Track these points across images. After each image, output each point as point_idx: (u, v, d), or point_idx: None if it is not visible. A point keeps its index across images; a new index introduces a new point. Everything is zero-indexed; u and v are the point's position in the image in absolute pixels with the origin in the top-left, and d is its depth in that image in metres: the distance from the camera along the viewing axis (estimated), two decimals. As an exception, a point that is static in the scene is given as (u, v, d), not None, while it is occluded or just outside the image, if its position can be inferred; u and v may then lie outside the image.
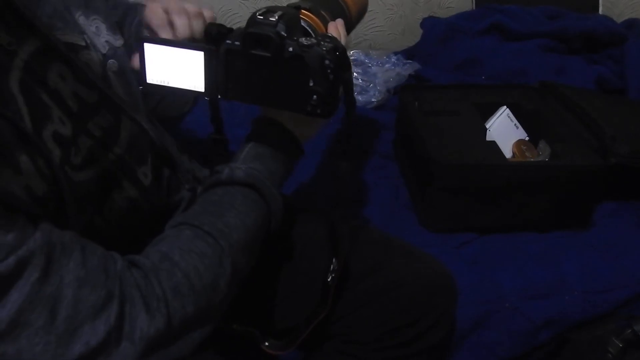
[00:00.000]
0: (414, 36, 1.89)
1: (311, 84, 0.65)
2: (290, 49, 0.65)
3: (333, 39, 0.67)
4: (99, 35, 0.75)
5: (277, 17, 0.66)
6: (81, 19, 0.73)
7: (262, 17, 0.66)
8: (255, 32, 0.65)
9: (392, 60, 1.75)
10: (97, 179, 0.69)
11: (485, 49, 1.70)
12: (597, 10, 1.91)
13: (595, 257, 1.15)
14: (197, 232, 0.65)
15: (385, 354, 0.84)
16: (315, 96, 0.66)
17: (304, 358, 0.94)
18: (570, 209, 1.21)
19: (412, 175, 1.30)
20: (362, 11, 1.00)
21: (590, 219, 1.23)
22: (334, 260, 0.80)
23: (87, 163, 0.68)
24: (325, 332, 0.87)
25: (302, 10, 0.77)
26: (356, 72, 1.67)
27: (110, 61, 0.74)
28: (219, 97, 0.72)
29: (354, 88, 1.60)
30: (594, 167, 1.17)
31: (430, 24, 1.81)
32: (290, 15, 0.68)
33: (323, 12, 0.80)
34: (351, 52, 1.74)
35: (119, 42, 0.77)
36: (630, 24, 1.84)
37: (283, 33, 0.65)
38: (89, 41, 0.72)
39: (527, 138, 1.30)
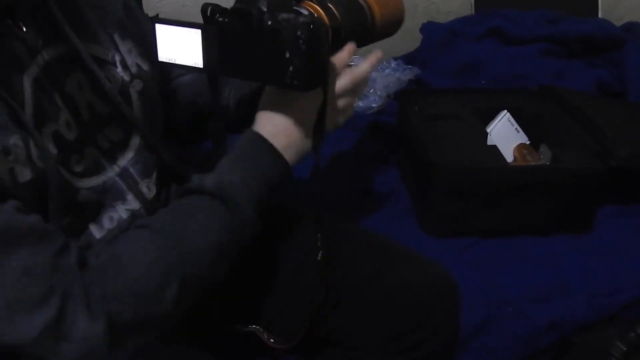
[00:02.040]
0: (414, 41, 1.89)
1: (287, 56, 0.66)
2: (270, 22, 0.66)
3: (313, 17, 0.69)
4: (131, 55, 0.77)
5: None
6: (117, 37, 0.76)
7: None
8: (238, 8, 0.68)
9: (392, 65, 1.75)
10: (100, 188, 0.70)
11: (485, 53, 1.70)
12: (597, 14, 1.91)
13: (598, 260, 1.15)
14: (153, 238, 0.63)
15: (387, 358, 0.84)
16: (291, 67, 0.66)
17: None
18: (572, 212, 1.20)
19: (413, 180, 1.30)
20: (392, 23, 0.96)
21: (592, 222, 1.23)
22: (318, 235, 0.79)
23: (90, 173, 0.69)
24: (328, 338, 0.86)
25: (307, 1, 0.78)
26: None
27: (136, 81, 0.76)
28: (217, 73, 0.74)
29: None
30: (595, 170, 1.17)
31: (429, 29, 1.82)
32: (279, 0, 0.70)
33: (332, 6, 0.79)
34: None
35: (146, 66, 0.79)
36: (630, 27, 1.84)
37: (264, 8, 0.67)
38: (117, 58, 0.75)
39: (528, 142, 1.30)
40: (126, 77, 0.75)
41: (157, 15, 1.32)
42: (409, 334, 0.83)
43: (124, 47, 0.76)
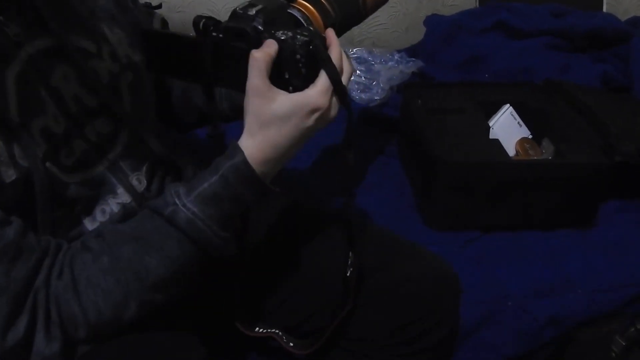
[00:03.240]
0: (418, 34, 1.88)
1: (286, 77, 0.66)
2: None
3: (311, 33, 0.67)
4: (121, 46, 0.76)
5: (255, 12, 0.67)
6: (105, 28, 0.75)
7: (241, 11, 0.68)
8: (232, 26, 0.67)
9: (396, 58, 1.74)
10: (90, 182, 0.70)
11: (489, 46, 1.70)
12: (602, 7, 1.90)
13: (600, 255, 1.15)
14: (113, 264, 0.64)
15: (390, 351, 0.84)
16: (290, 87, 0.66)
17: (311, 356, 0.94)
18: (574, 207, 1.20)
19: (415, 174, 1.29)
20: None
21: (594, 218, 1.22)
22: (350, 254, 0.79)
23: (79, 166, 0.69)
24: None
25: (299, 0, 0.78)
26: (359, 70, 1.67)
27: (127, 72, 0.76)
28: (211, 85, 0.74)
29: (358, 86, 1.61)
30: (598, 165, 1.17)
31: (433, 22, 1.81)
32: (272, 8, 0.69)
33: (325, 2, 0.79)
34: (354, 50, 1.74)
35: (137, 57, 0.78)
36: (635, 21, 1.83)
37: (260, 27, 0.67)
38: (105, 50, 0.74)
39: (530, 136, 1.30)
40: (116, 69, 0.74)
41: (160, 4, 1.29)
42: (412, 326, 0.83)
43: (113, 37, 0.75)
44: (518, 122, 1.30)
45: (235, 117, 0.86)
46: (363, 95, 1.61)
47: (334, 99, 0.68)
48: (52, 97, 0.67)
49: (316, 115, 0.66)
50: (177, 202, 0.65)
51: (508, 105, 1.31)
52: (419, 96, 1.34)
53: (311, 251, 0.89)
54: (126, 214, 0.73)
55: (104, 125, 0.72)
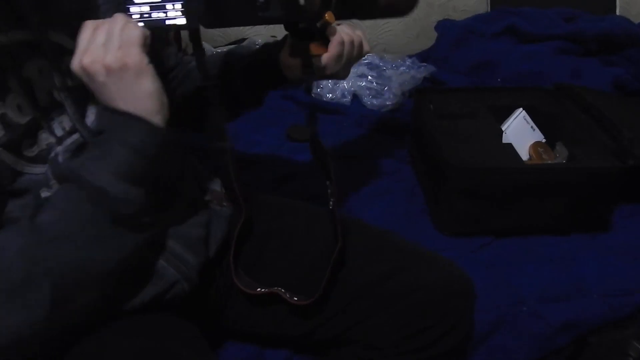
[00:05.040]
0: (429, 39, 1.89)
1: None
2: None
3: None
4: None
5: None
6: None
7: None
8: None
9: (407, 63, 1.75)
10: (46, 174, 0.70)
11: (500, 51, 1.70)
12: (614, 11, 1.89)
13: (614, 259, 1.14)
14: (23, 231, 0.63)
15: (404, 358, 0.84)
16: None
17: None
18: (588, 211, 1.20)
19: (427, 179, 1.29)
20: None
21: (608, 222, 1.22)
22: (327, 183, 0.82)
23: (42, 160, 0.70)
24: (343, 336, 0.87)
25: None
26: (371, 76, 1.68)
27: None
28: (200, 26, 0.74)
29: (369, 92, 1.62)
30: (612, 169, 1.16)
31: (444, 27, 1.81)
32: None
33: None
34: (366, 56, 1.74)
35: None
36: (648, 24, 1.83)
37: None
38: None
39: (544, 140, 1.30)
40: None
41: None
42: (424, 333, 0.83)
43: None
44: (531, 126, 1.30)
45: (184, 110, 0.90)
46: (375, 101, 1.62)
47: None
48: (23, 87, 0.68)
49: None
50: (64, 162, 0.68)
51: (521, 109, 1.31)
52: (431, 101, 1.34)
53: (303, 219, 0.93)
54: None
55: (68, 121, 0.73)
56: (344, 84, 1.65)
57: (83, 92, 0.72)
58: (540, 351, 1.05)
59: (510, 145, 1.22)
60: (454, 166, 1.13)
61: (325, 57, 0.83)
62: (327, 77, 0.89)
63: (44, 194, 0.72)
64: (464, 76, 1.68)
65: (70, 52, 0.71)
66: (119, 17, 0.67)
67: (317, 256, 0.87)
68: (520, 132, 1.30)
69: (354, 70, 1.68)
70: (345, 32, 0.84)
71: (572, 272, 1.12)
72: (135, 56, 0.66)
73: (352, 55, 0.86)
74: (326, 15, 0.81)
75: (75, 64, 0.66)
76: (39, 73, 0.70)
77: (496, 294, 1.06)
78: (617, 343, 1.10)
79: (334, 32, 0.82)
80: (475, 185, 1.15)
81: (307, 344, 0.92)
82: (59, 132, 0.72)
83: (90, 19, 0.72)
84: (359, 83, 1.66)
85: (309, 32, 0.83)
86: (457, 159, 1.14)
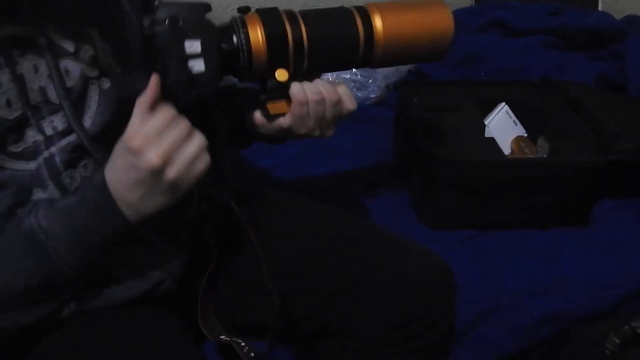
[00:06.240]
0: (414, 32, 1.88)
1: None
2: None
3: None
4: (105, 54, 0.75)
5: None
6: (94, 34, 0.74)
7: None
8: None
9: (392, 56, 1.74)
10: (30, 174, 0.70)
11: (485, 45, 1.69)
12: (597, 6, 1.90)
13: (596, 254, 1.15)
14: None
15: (387, 350, 0.84)
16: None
17: (307, 355, 0.94)
18: (570, 205, 1.20)
19: (412, 172, 1.29)
20: (418, 47, 0.78)
21: (590, 216, 1.23)
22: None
23: (27, 156, 0.70)
24: (327, 329, 0.87)
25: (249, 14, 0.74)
26: (356, 70, 1.67)
27: (104, 79, 0.74)
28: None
29: (354, 84, 1.61)
30: (594, 163, 1.17)
31: (430, 20, 1.80)
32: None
33: (298, 13, 0.74)
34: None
35: (120, 68, 0.77)
36: (631, 20, 1.84)
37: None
38: (88, 53, 0.73)
39: (525, 135, 1.30)
40: (92, 74, 0.74)
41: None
42: (409, 325, 0.84)
43: (100, 45, 0.74)
44: (514, 121, 1.30)
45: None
46: (359, 93, 1.61)
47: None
48: (15, 83, 0.67)
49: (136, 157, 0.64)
50: (33, 211, 0.67)
51: (504, 103, 1.31)
52: (416, 94, 1.34)
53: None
54: None
55: (62, 121, 0.72)
56: (328, 76, 1.64)
57: (81, 94, 0.72)
58: (523, 343, 1.06)
59: (492, 140, 1.22)
60: (438, 159, 1.13)
61: (285, 118, 0.77)
62: (304, 137, 0.80)
63: (38, 195, 0.71)
64: (449, 69, 1.67)
65: (68, 53, 0.71)
66: (198, 139, 0.66)
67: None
68: (502, 126, 1.30)
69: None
70: (313, 90, 0.75)
71: (554, 265, 1.13)
72: (189, 185, 0.67)
73: (325, 116, 0.77)
74: (276, 74, 0.74)
75: (133, 141, 0.64)
76: (34, 70, 0.69)
77: (479, 287, 1.07)
78: (596, 336, 1.11)
79: (296, 91, 0.75)
80: (459, 179, 1.15)
81: (292, 336, 0.91)
82: (48, 132, 0.71)
83: (89, 25, 0.72)
84: (343, 75, 1.65)
85: (267, 90, 0.76)
86: (441, 152, 1.14)
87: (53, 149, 0.72)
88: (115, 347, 0.72)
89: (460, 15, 1.79)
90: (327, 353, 0.89)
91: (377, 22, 0.75)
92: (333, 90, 0.76)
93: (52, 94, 0.70)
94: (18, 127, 0.68)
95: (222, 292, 0.89)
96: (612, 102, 1.44)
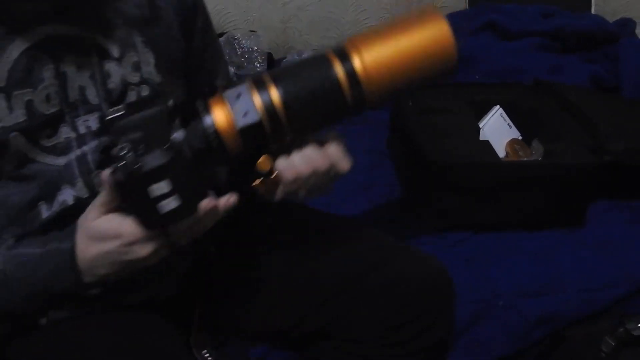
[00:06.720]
0: (408, 35, 1.89)
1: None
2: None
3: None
4: (148, 65, 0.77)
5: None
6: (139, 43, 0.76)
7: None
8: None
9: (387, 59, 1.74)
10: (59, 169, 0.71)
11: (479, 47, 1.70)
12: (590, 9, 1.91)
13: (589, 255, 1.16)
14: None
15: (384, 352, 0.84)
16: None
17: (303, 358, 0.94)
18: (564, 207, 1.21)
19: (406, 174, 1.30)
20: (412, 76, 0.66)
21: (584, 217, 1.23)
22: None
23: (58, 151, 0.71)
24: (322, 331, 0.87)
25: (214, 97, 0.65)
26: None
27: (144, 86, 0.76)
28: None
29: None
30: (587, 165, 1.17)
31: (424, 23, 1.81)
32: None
33: (270, 79, 0.64)
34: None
35: (160, 79, 0.77)
36: (624, 23, 1.85)
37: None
38: (132, 59, 0.75)
39: (520, 137, 1.31)
40: (133, 80, 0.75)
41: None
42: (406, 327, 0.84)
43: (144, 53, 0.76)
44: (508, 124, 1.31)
45: None
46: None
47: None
48: (57, 79, 0.69)
49: (116, 242, 0.65)
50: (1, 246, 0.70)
51: (498, 106, 1.32)
52: (411, 97, 1.34)
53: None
54: (79, 208, 0.71)
55: (96, 122, 0.73)
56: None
57: (120, 98, 0.74)
58: (517, 345, 1.06)
59: (487, 142, 1.23)
60: (432, 162, 1.14)
61: (278, 193, 0.70)
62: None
63: (66, 191, 0.72)
64: (443, 72, 1.68)
65: (113, 58, 0.73)
66: (146, 249, 0.65)
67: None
68: (497, 129, 1.30)
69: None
70: (302, 163, 0.69)
71: (549, 267, 1.13)
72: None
73: (318, 183, 0.71)
74: (259, 163, 0.66)
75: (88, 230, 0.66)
76: (76, 69, 0.71)
77: (474, 288, 1.07)
78: (591, 337, 1.12)
79: (283, 169, 0.68)
80: (453, 181, 1.15)
81: (288, 339, 0.92)
82: (81, 130, 0.72)
83: (136, 33, 0.74)
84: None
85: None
86: (435, 154, 1.15)
87: (85, 148, 0.73)
88: (112, 348, 0.73)
89: (454, 19, 1.79)
90: (324, 356, 0.89)
91: (356, 59, 0.64)
92: (324, 156, 0.70)
93: (91, 94, 0.72)
94: (53, 123, 0.70)
95: (221, 297, 0.89)
96: (606, 104, 1.45)
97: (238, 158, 0.65)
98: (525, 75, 1.59)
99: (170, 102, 0.71)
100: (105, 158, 0.71)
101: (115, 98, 0.73)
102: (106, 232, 0.65)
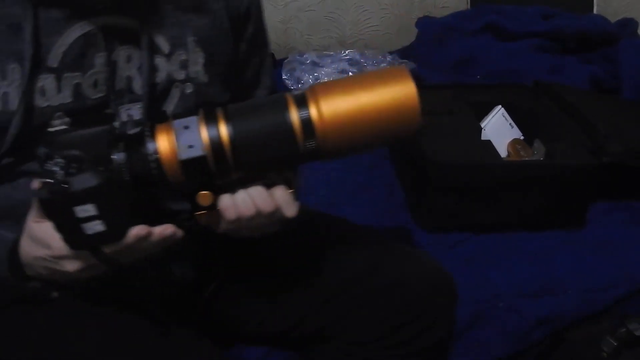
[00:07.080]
0: (409, 36, 1.89)
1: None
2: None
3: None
4: (196, 64, 0.78)
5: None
6: (190, 42, 0.77)
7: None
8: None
9: (388, 59, 1.75)
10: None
11: (480, 48, 1.71)
12: (592, 9, 1.91)
13: (589, 255, 1.16)
14: None
15: (384, 353, 0.84)
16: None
17: (303, 359, 0.94)
18: (564, 207, 1.21)
19: (407, 175, 1.30)
20: (371, 135, 0.64)
21: (584, 218, 1.23)
22: None
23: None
24: (322, 333, 0.87)
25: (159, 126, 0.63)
26: (351, 72, 1.67)
27: (188, 84, 0.77)
28: None
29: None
30: (588, 166, 1.17)
31: (425, 24, 1.82)
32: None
33: (221, 114, 0.62)
34: (346, 52, 1.75)
35: (207, 79, 0.78)
36: (624, 23, 1.85)
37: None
38: (180, 57, 0.76)
39: (522, 137, 1.31)
40: (179, 77, 0.77)
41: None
42: (406, 328, 0.83)
43: (193, 53, 0.77)
44: (510, 124, 1.31)
45: None
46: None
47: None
48: (107, 66, 0.72)
49: (46, 252, 0.63)
50: None
51: (500, 106, 1.32)
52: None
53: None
54: None
55: (138, 112, 0.75)
56: (324, 77, 1.65)
57: (164, 92, 0.76)
58: (517, 346, 1.06)
59: (489, 142, 1.23)
60: (434, 162, 1.14)
61: (220, 227, 0.67)
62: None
63: None
64: (444, 73, 1.68)
65: (162, 54, 0.75)
66: (74, 265, 0.64)
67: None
68: (498, 129, 1.31)
69: (334, 65, 1.68)
70: (245, 204, 0.65)
71: (549, 267, 1.13)
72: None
73: (261, 225, 0.68)
74: (199, 197, 0.63)
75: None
76: (126, 60, 0.73)
77: (474, 289, 1.07)
78: (591, 338, 1.12)
79: (224, 208, 0.65)
80: (454, 182, 1.15)
81: (288, 340, 0.92)
82: (123, 117, 0.74)
83: (189, 32, 0.76)
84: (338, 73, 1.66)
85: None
86: (436, 155, 1.15)
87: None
88: (112, 348, 0.73)
89: (455, 19, 1.80)
90: (324, 357, 0.89)
91: (313, 108, 0.62)
92: (269, 200, 0.66)
93: (137, 85, 0.74)
94: (97, 108, 0.72)
95: (221, 297, 0.89)
96: (605, 105, 1.45)
97: (180, 189, 0.63)
98: (525, 76, 1.59)
99: (116, 123, 0.69)
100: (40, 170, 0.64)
101: (159, 92, 0.76)
102: (38, 239, 0.63)
